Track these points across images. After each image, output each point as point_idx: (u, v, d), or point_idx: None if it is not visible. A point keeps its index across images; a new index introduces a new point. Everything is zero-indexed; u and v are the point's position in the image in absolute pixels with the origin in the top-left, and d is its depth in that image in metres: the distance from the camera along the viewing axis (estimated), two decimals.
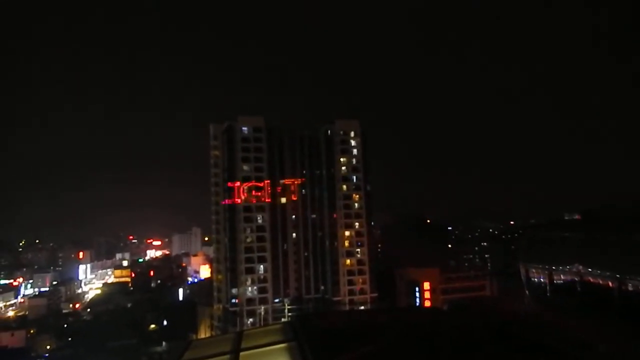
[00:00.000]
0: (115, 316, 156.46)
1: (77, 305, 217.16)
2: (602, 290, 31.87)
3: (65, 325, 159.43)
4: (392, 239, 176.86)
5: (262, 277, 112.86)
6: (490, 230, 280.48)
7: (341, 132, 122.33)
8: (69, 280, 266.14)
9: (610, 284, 31.46)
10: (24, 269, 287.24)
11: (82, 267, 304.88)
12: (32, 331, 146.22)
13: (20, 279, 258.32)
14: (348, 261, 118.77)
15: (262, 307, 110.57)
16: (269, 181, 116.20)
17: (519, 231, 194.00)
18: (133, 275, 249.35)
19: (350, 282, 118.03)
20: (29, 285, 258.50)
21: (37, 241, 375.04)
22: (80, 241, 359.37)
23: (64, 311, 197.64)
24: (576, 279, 34.48)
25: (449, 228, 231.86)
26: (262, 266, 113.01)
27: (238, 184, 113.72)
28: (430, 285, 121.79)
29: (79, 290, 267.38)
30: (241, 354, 17.53)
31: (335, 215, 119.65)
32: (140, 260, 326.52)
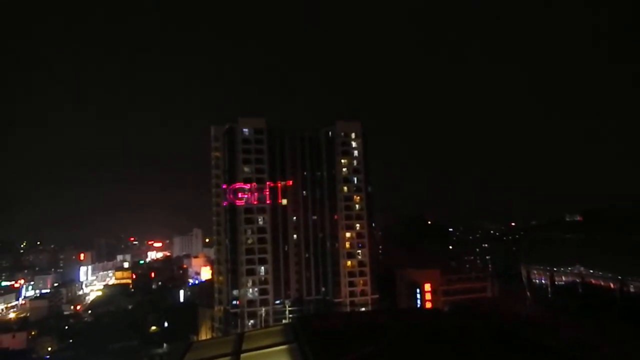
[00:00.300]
0: (116, 318, 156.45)
1: (78, 307, 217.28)
2: (603, 292, 31.80)
3: (67, 327, 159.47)
4: (393, 240, 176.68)
5: (263, 278, 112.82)
6: (491, 231, 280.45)
7: (342, 134, 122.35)
8: (70, 282, 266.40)
9: (611, 285, 31.38)
10: (25, 271, 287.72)
11: (83, 269, 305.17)
12: (33, 333, 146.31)
13: (22, 281, 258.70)
14: (349, 262, 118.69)
15: (263, 309, 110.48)
16: (269, 182, 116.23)
17: (520, 232, 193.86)
18: (134, 276, 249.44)
19: (351, 284, 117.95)
20: (30, 287, 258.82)
21: (38, 243, 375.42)
22: (81, 243, 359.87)
23: (65, 313, 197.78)
24: (577, 280, 34.41)
25: (450, 229, 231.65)
26: (263, 268, 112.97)
27: (239, 185, 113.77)
28: (431, 287, 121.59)
29: (80, 292, 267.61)
30: (242, 355, 17.51)
31: (336, 217, 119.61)
32: (141, 261, 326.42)
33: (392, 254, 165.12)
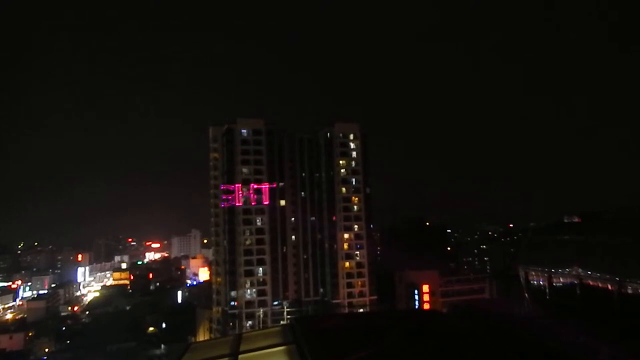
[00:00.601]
0: (114, 319, 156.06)
1: (76, 308, 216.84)
2: (601, 293, 31.90)
3: (64, 328, 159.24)
4: (392, 242, 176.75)
5: (261, 279, 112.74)
6: (490, 232, 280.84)
7: (340, 135, 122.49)
8: (68, 282, 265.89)
9: (609, 286, 31.46)
10: (23, 272, 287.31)
11: (80, 270, 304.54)
12: (30, 334, 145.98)
13: (19, 282, 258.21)
14: (347, 264, 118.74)
15: (261, 310, 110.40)
16: (268, 184, 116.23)
17: (518, 234, 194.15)
18: (132, 277, 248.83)
19: (350, 285, 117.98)
20: (27, 288, 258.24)
21: (36, 244, 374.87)
22: (79, 243, 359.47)
23: (62, 314, 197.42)
24: (575, 281, 34.48)
25: (449, 230, 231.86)
26: (261, 269, 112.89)
27: (237, 186, 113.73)
28: (429, 288, 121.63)
29: (78, 293, 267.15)
30: (240, 356, 17.50)
31: (334, 218, 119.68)
32: (139, 262, 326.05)
33: (391, 255, 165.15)
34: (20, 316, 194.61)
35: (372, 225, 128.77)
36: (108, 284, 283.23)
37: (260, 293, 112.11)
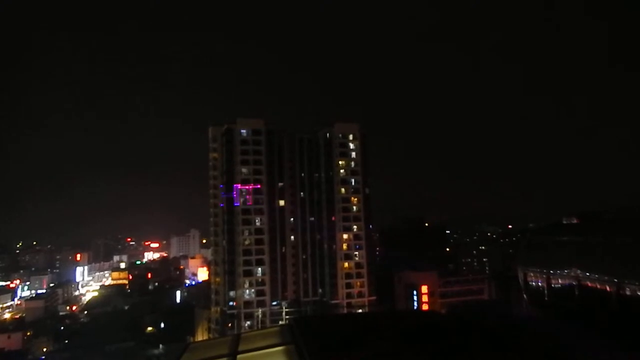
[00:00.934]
0: (112, 318, 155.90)
1: (75, 308, 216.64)
2: (599, 295, 31.93)
3: (63, 328, 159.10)
4: (391, 242, 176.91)
5: (260, 279, 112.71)
6: (489, 233, 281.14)
7: (340, 135, 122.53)
8: (67, 282, 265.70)
9: (607, 288, 31.50)
10: (21, 271, 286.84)
11: (79, 269, 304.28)
12: (29, 333, 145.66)
13: (18, 281, 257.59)
14: (346, 264, 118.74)
15: (260, 310, 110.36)
16: (267, 184, 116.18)
17: (517, 235, 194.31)
18: (131, 277, 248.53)
19: (349, 285, 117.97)
20: (26, 287, 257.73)
21: (34, 243, 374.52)
22: (77, 243, 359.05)
23: (61, 313, 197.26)
24: (574, 283, 34.51)
25: (448, 231, 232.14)
26: (260, 269, 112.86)
27: (237, 186, 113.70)
28: (428, 289, 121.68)
29: (76, 293, 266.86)
30: (239, 356, 17.50)
31: (333, 218, 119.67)
32: (138, 262, 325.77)
33: (390, 255, 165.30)
34: (18, 316, 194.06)
35: (371, 226, 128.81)
36: (107, 283, 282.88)
37: (259, 293, 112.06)
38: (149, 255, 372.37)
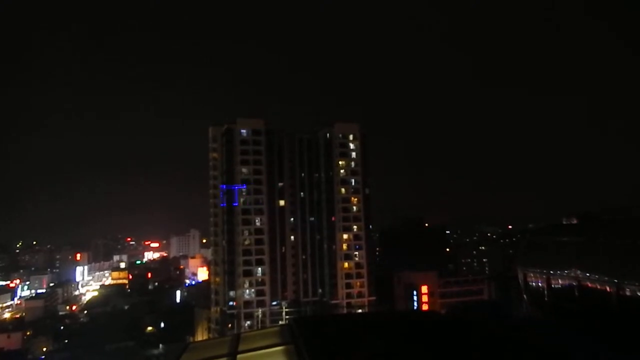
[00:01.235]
0: (112, 318, 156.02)
1: (74, 307, 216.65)
2: (599, 295, 31.95)
3: (62, 328, 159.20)
4: (391, 243, 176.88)
5: (260, 279, 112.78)
6: (489, 234, 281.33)
7: (340, 135, 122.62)
8: (66, 282, 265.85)
9: (607, 288, 31.51)
10: (21, 271, 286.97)
11: (79, 269, 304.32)
12: (28, 333, 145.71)
13: (17, 281, 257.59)
14: (346, 264, 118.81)
15: (260, 310, 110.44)
16: (267, 184, 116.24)
17: (517, 235, 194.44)
18: (130, 277, 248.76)
19: (349, 285, 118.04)
20: (25, 287, 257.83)
21: (34, 243, 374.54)
22: (77, 243, 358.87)
23: (60, 313, 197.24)
24: (574, 283, 34.53)
25: (448, 232, 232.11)
26: (260, 269, 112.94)
27: (237, 186, 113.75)
28: (428, 289, 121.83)
29: (76, 292, 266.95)
30: (238, 356, 17.49)
31: (333, 218, 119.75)
32: (138, 262, 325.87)
33: (390, 256, 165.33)
34: (18, 315, 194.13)
35: (371, 226, 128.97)
36: (107, 283, 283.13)
37: (259, 293, 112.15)
38: (148, 255, 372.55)
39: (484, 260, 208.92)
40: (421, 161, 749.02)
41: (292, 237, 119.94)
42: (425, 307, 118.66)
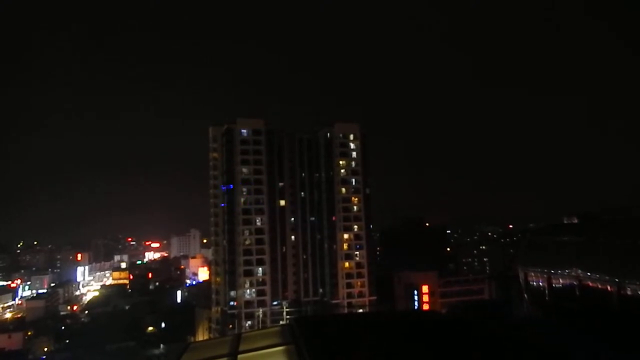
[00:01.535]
0: (113, 318, 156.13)
1: (75, 307, 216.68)
2: (600, 294, 31.95)
3: (63, 328, 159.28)
4: (391, 242, 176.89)
5: (260, 279, 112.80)
6: (489, 233, 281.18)
7: (340, 135, 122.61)
8: (67, 282, 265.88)
9: (608, 288, 31.51)
10: (22, 271, 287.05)
11: (80, 269, 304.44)
12: (29, 333, 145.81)
13: (18, 281, 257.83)
14: (347, 264, 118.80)
15: (261, 310, 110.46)
16: (267, 184, 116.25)
17: (518, 235, 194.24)
18: (131, 277, 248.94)
19: (349, 285, 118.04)
20: (26, 287, 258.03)
21: (35, 243, 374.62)
22: (78, 243, 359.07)
23: (61, 313, 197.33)
24: (575, 283, 34.52)
25: (448, 231, 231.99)
26: (260, 269, 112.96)
27: (237, 186, 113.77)
28: (428, 289, 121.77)
29: (77, 292, 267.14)
30: (239, 356, 17.50)
31: (334, 218, 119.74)
32: (139, 262, 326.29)
33: (391, 256, 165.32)
34: (19, 315, 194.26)
35: (371, 226, 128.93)
36: (107, 283, 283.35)
37: (260, 293, 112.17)
38: (149, 255, 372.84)
39: (485, 259, 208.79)
40: (421, 161, 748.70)
41: (293, 237, 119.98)
42: (425, 306, 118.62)
